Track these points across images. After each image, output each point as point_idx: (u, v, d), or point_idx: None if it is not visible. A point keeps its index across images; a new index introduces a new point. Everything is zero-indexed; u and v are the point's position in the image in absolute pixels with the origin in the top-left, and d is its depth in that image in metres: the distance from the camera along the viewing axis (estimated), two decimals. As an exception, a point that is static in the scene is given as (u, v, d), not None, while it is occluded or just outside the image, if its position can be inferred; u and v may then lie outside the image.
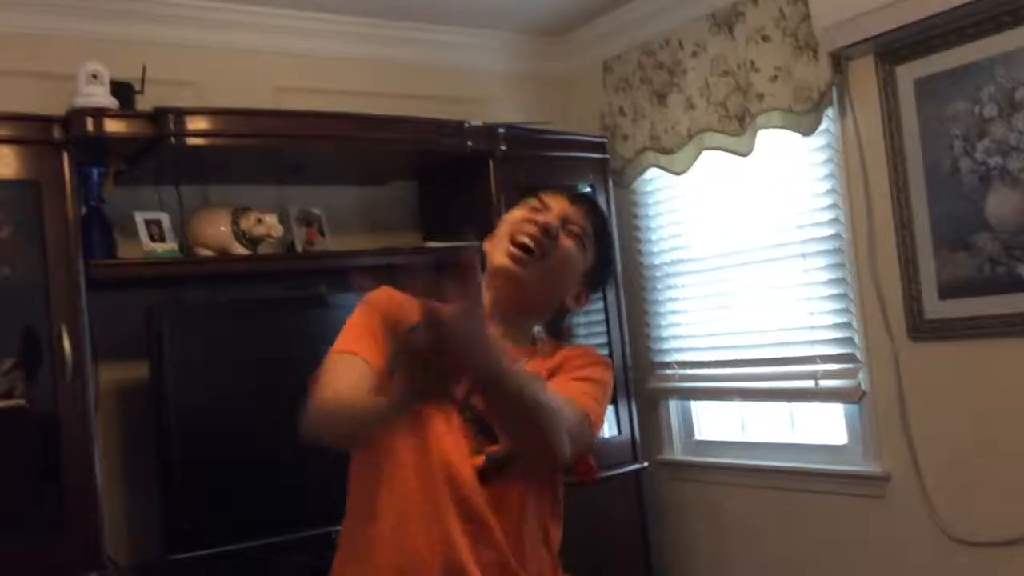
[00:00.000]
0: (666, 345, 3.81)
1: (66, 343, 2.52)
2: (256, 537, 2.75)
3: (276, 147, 2.90)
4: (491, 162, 3.31)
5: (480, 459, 1.50)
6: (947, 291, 2.87)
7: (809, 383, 3.26)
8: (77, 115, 2.56)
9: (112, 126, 2.60)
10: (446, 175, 3.49)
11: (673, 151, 3.52)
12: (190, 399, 2.75)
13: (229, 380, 2.87)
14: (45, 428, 2.53)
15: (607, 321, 3.59)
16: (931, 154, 2.88)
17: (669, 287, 3.78)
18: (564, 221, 1.58)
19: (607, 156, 3.68)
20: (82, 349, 2.56)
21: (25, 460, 2.60)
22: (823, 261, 3.23)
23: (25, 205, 2.55)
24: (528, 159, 3.43)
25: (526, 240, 1.55)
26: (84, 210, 2.68)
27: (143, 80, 2.87)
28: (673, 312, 3.78)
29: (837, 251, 3.18)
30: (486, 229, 3.27)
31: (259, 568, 2.78)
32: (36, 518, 2.54)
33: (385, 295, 1.58)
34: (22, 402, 2.53)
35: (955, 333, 2.86)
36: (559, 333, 1.67)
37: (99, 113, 2.58)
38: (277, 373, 2.93)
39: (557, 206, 1.59)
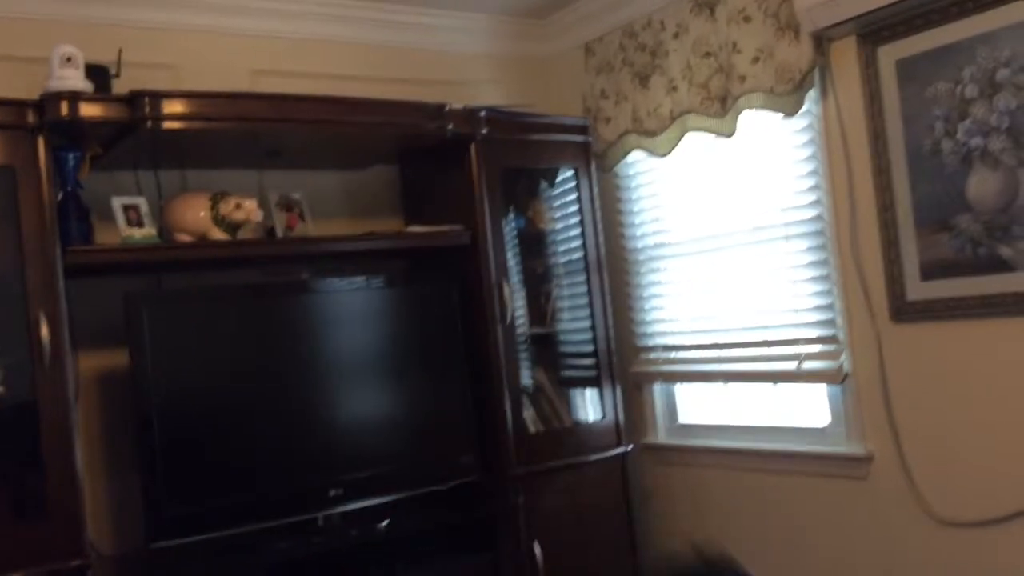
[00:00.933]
0: (649, 329, 3.80)
1: (44, 330, 2.49)
2: (240, 524, 2.74)
3: (254, 130, 2.86)
4: (473, 145, 3.29)
5: None
6: (929, 272, 2.87)
7: (792, 365, 3.26)
8: (51, 99, 2.52)
9: (87, 110, 2.56)
10: (427, 159, 3.47)
11: (656, 133, 3.51)
12: (171, 386, 2.72)
13: (210, 367, 2.85)
14: (24, 416, 2.49)
15: (591, 305, 3.58)
16: (912, 135, 2.88)
17: (652, 270, 3.78)
18: None
19: (589, 139, 3.66)
20: (60, 336, 2.52)
21: (4, 448, 2.57)
22: (805, 243, 3.23)
23: (-1, 190, 2.51)
24: (510, 142, 3.41)
25: None
26: (60, 195, 2.64)
27: (119, 63, 2.84)
28: (656, 296, 3.77)
29: (819, 233, 3.18)
30: (468, 212, 3.29)
31: (244, 555, 2.77)
32: (17, 506, 2.51)
33: None
34: (0, 389, 2.50)
35: (937, 314, 2.86)
36: None
37: (74, 97, 2.54)
38: (258, 359, 2.92)
39: None
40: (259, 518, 2.78)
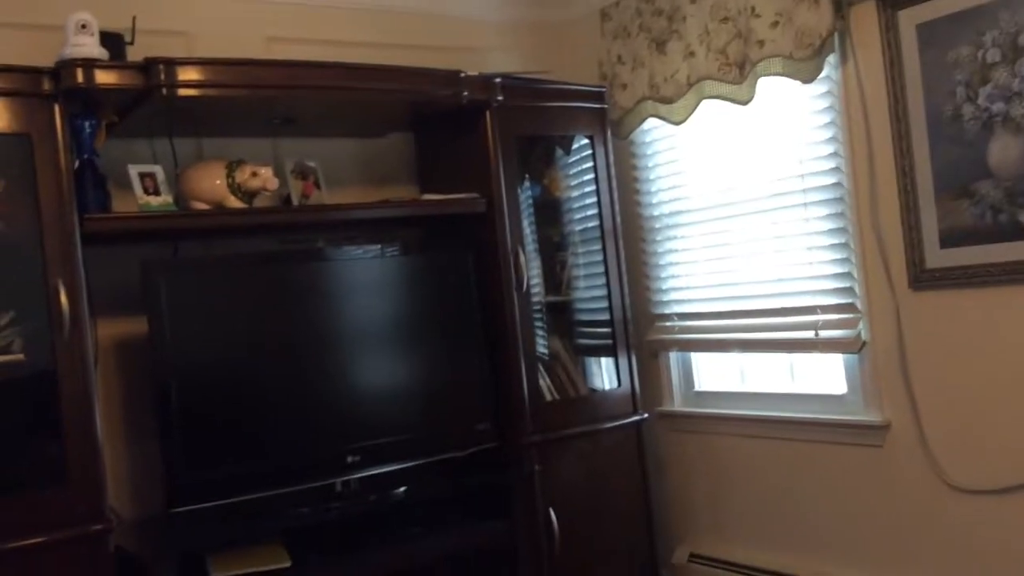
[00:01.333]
0: (666, 297, 3.79)
1: (63, 298, 2.50)
2: (259, 490, 2.76)
3: (269, 97, 2.85)
4: (488, 113, 3.27)
5: None
6: (948, 239, 2.85)
7: (809, 333, 3.25)
8: (67, 66, 2.51)
9: (103, 77, 2.55)
10: (443, 126, 3.45)
11: (672, 100, 3.48)
12: (188, 353, 2.73)
13: (227, 334, 2.86)
14: (44, 383, 2.51)
15: (606, 273, 3.57)
16: (933, 101, 2.84)
17: (668, 238, 3.76)
18: None
19: (605, 106, 3.63)
20: (79, 303, 2.53)
21: (25, 415, 2.59)
22: (824, 210, 3.21)
23: (17, 158, 2.50)
24: (525, 109, 3.39)
25: None
26: (76, 163, 2.64)
27: (133, 30, 2.83)
28: (673, 264, 3.76)
29: (838, 200, 3.16)
30: (484, 180, 3.28)
31: (262, 520, 2.79)
32: (38, 472, 2.53)
33: None
34: (20, 357, 2.51)
35: (956, 282, 2.84)
36: None
37: (89, 64, 2.53)
38: (274, 327, 2.94)
39: None
40: (277, 484, 2.79)
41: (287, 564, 2.73)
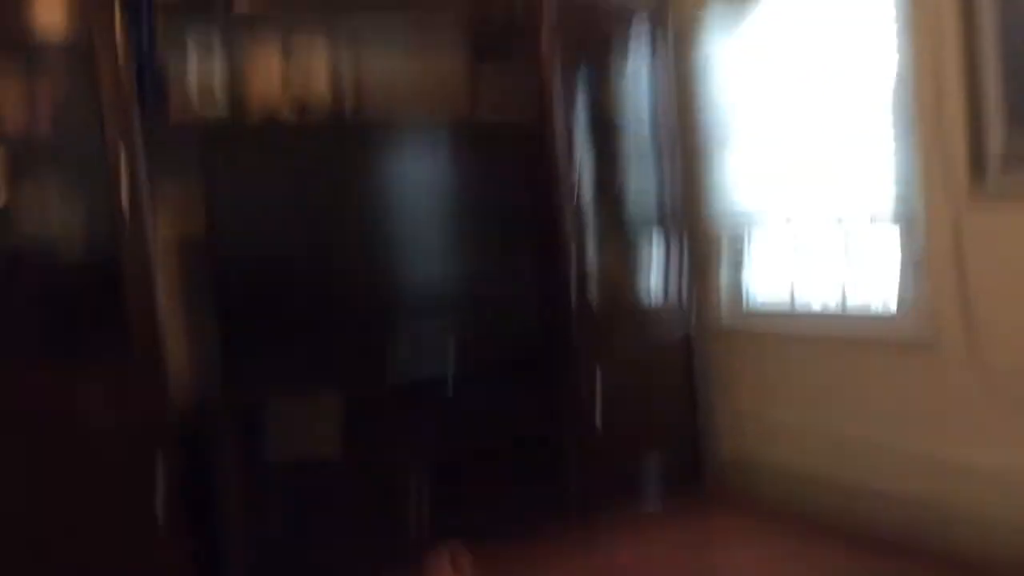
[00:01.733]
0: (721, 207, 3.75)
1: (124, 196, 2.59)
2: (314, 371, 2.89)
3: (324, 7, 2.87)
4: (544, 27, 3.25)
5: None
6: (1014, 151, 2.75)
7: (865, 243, 3.20)
8: (126, -33, 2.58)
9: (161, -23, 2.61)
10: (496, 45, 3.44)
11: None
12: (246, 254, 2.84)
13: (282, 236, 2.94)
14: (108, 277, 2.63)
15: (660, 185, 3.58)
16: (1007, 10, 2.73)
17: (724, 149, 3.70)
18: None
19: (662, 17, 3.57)
20: (140, 202, 2.64)
21: (92, 308, 2.70)
22: (884, 115, 3.10)
23: (78, 59, 2.59)
24: (580, 26, 3.37)
25: None
26: (136, 65, 2.70)
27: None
28: (728, 175, 3.70)
29: (901, 105, 3.05)
30: (539, 94, 3.24)
31: (313, 416, 2.89)
32: (105, 360, 2.66)
33: None
34: (85, 243, 2.64)
35: (1020, 196, 2.75)
36: None
37: (147, -36, 2.59)
38: (326, 229, 3.00)
39: None
40: (329, 384, 2.90)
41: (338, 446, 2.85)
